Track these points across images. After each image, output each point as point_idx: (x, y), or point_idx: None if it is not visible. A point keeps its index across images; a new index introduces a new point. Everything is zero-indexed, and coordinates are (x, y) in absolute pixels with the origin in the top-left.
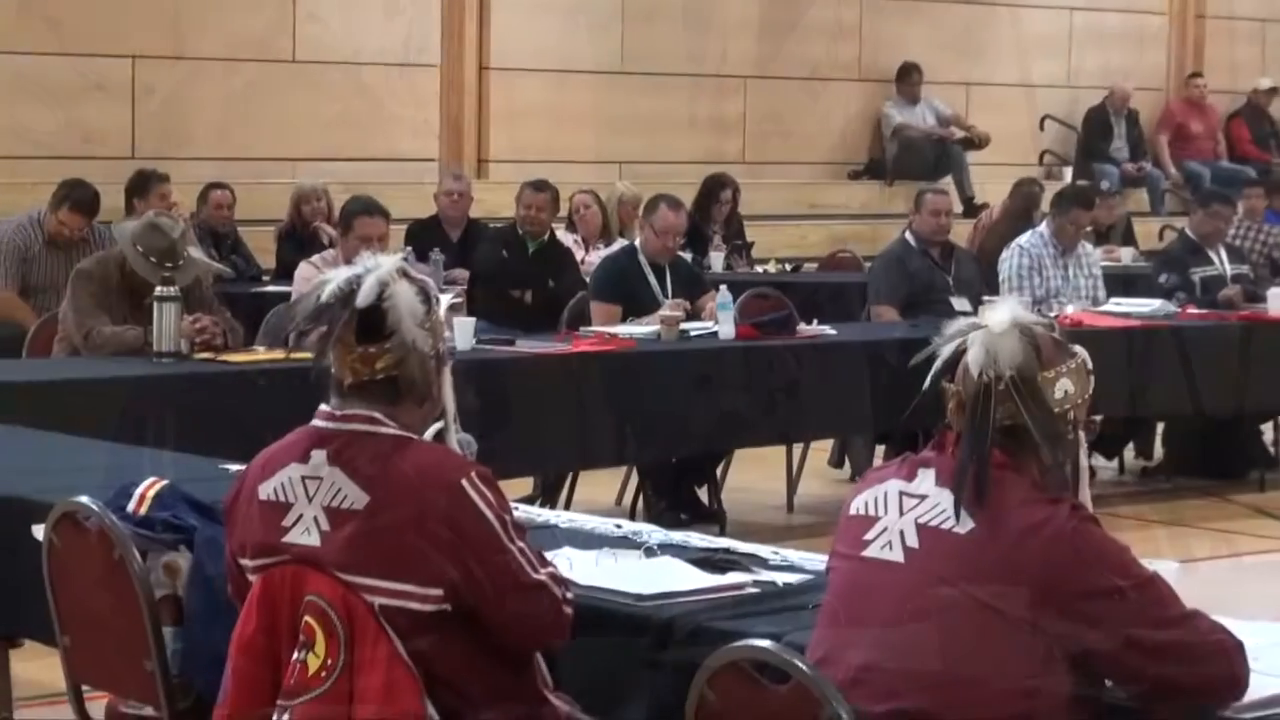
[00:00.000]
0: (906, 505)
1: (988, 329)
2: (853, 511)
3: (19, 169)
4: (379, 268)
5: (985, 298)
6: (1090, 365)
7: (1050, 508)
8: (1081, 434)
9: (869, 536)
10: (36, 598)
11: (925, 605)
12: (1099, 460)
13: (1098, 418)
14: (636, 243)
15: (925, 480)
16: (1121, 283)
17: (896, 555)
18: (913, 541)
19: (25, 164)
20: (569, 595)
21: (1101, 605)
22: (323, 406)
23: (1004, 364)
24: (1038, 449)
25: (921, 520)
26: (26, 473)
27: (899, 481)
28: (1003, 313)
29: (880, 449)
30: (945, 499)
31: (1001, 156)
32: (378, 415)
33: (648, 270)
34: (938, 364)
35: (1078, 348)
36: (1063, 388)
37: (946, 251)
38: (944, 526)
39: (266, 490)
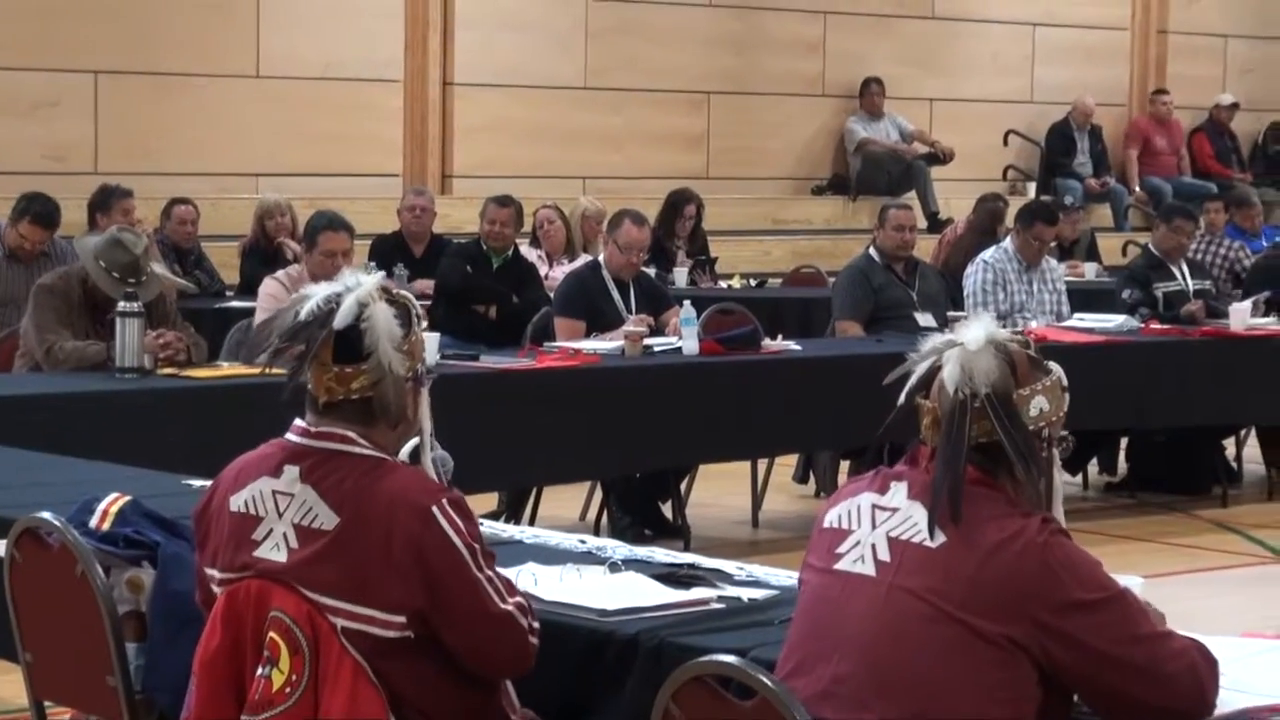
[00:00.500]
0: (879, 518)
1: (963, 346)
2: (826, 524)
3: None
4: (359, 287)
5: (949, 313)
6: (1065, 382)
7: (1022, 521)
8: (1055, 451)
9: (841, 549)
10: None
11: (896, 618)
12: (1063, 475)
13: (1065, 433)
14: (600, 258)
15: (898, 493)
16: (1085, 298)
17: (868, 568)
18: (884, 555)
19: None
20: (535, 625)
21: (1071, 619)
22: (298, 421)
23: (980, 382)
24: (1012, 466)
25: (893, 534)
26: None
27: (872, 495)
28: (978, 330)
29: (845, 464)
30: (918, 512)
31: (965, 172)
32: (352, 435)
33: (611, 286)
34: (912, 380)
35: (1053, 364)
36: (1038, 405)
37: (910, 267)
38: (915, 540)
39: (237, 502)
